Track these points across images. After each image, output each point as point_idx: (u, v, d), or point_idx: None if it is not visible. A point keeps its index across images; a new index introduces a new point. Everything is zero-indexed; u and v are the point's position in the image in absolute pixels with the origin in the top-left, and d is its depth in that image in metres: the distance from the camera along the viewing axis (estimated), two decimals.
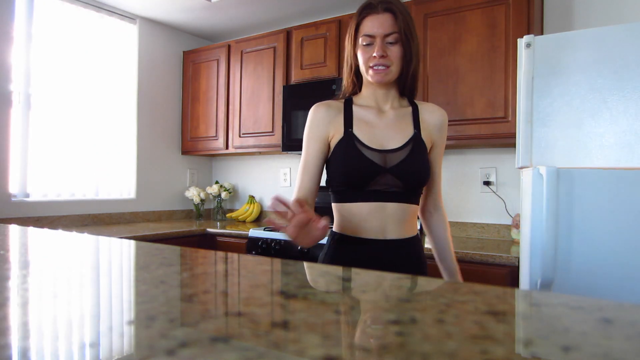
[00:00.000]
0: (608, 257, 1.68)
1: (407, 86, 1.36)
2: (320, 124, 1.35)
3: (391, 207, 1.30)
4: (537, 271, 1.78)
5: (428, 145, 1.36)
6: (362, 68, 1.31)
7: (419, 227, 1.38)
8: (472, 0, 2.43)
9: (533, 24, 2.31)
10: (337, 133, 1.33)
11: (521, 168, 1.84)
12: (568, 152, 1.76)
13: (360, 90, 1.40)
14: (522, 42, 1.85)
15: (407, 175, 1.28)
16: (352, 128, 1.32)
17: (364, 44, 1.29)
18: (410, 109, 1.37)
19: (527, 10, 2.30)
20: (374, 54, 1.26)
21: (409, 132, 1.33)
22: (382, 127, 1.33)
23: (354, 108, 1.36)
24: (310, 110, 1.38)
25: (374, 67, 1.27)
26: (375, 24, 1.27)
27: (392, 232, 1.31)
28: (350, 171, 1.29)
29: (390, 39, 1.27)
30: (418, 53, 1.34)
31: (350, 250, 1.32)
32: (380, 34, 1.26)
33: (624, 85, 1.67)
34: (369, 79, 1.31)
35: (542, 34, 2.52)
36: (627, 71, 1.67)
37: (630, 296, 1.63)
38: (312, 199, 1.38)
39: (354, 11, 1.32)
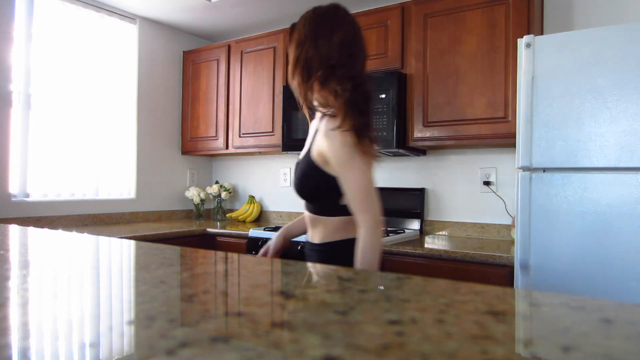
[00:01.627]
0: (584, 249, 1.68)
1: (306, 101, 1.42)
2: None
3: (306, 215, 1.48)
4: (517, 255, 1.84)
5: (319, 159, 1.37)
6: None
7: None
8: (472, 0, 2.43)
9: (533, 24, 2.31)
10: None
11: (521, 168, 1.84)
12: (568, 152, 1.76)
13: None
14: (522, 42, 1.85)
15: (296, 186, 1.45)
16: None
17: None
18: (317, 122, 1.48)
19: (527, 10, 2.30)
20: None
21: (307, 147, 1.47)
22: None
23: None
24: None
25: None
26: None
27: (310, 235, 1.50)
28: None
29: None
30: (303, 42, 1.38)
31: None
32: None
33: (624, 85, 1.67)
34: None
35: (542, 34, 2.52)
36: (627, 71, 1.67)
37: (605, 290, 1.63)
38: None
39: (353, 12, 1.32)
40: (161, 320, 0.37)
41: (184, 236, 2.96)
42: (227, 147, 3.45)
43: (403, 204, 2.88)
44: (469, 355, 0.31)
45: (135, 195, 3.44)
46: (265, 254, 1.63)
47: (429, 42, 2.56)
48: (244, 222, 3.58)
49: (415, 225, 2.81)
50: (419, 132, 2.57)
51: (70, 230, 1.59)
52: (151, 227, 3.06)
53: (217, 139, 3.50)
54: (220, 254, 0.71)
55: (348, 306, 0.44)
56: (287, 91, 3.05)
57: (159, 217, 3.59)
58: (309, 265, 0.63)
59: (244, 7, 3.25)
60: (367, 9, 2.85)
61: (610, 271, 1.67)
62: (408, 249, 2.22)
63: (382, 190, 1.64)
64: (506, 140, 2.34)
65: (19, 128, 2.78)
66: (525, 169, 1.84)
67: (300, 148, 3.21)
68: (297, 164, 1.47)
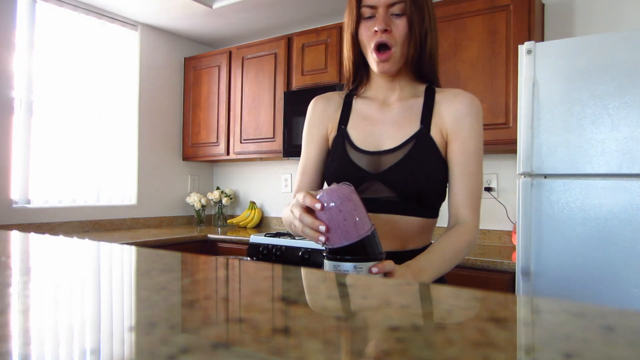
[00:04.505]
0: (585, 255, 1.67)
1: (422, 71, 1.12)
2: (318, 120, 1.21)
3: (382, 219, 1.07)
4: (519, 261, 1.84)
5: (441, 142, 1.09)
6: (366, 50, 1.10)
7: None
8: (472, 7, 2.44)
9: (534, 30, 2.32)
10: (333, 130, 1.19)
11: (522, 174, 1.84)
12: (569, 159, 1.76)
13: (367, 79, 1.19)
14: (523, 48, 1.86)
15: (399, 182, 1.06)
16: (346, 125, 1.16)
17: (365, 16, 1.08)
18: (421, 99, 1.12)
19: (527, 16, 2.31)
20: (375, 28, 1.05)
21: (413, 128, 1.09)
22: (382, 123, 1.13)
23: (355, 101, 1.19)
24: (309, 105, 1.25)
25: (377, 50, 1.06)
26: None
27: (384, 242, 1.05)
28: (334, 177, 1.12)
29: (395, 9, 1.05)
30: (433, 28, 1.10)
31: None
32: (382, 3, 1.05)
33: (624, 91, 1.67)
34: (372, 67, 1.10)
35: (542, 40, 2.53)
36: (628, 78, 1.67)
37: (601, 296, 1.62)
38: None
39: None
40: (162, 326, 0.37)
41: (185, 242, 2.96)
42: (228, 153, 3.46)
43: None
44: None
45: (137, 202, 3.44)
46: None
47: None
48: (244, 228, 3.57)
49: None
50: None
51: (71, 237, 1.59)
52: (152, 233, 3.06)
53: (218, 145, 3.51)
54: (221, 259, 0.71)
55: (349, 312, 0.44)
56: (288, 97, 3.06)
57: (160, 223, 3.59)
58: (309, 271, 0.63)
59: (245, 14, 3.26)
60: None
61: (612, 277, 1.67)
62: None
63: None
64: (507, 147, 2.35)
65: (21, 134, 2.79)
66: (526, 175, 1.84)
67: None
68: (402, 153, 1.07)
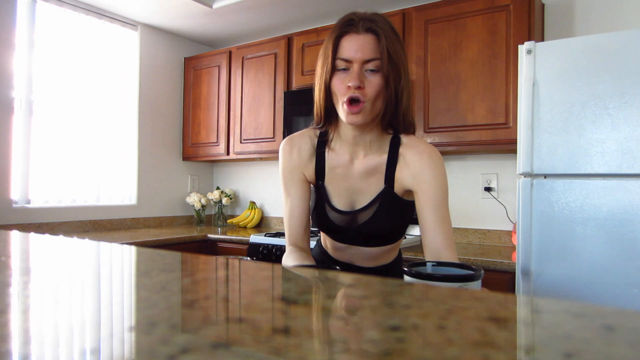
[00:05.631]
0: (585, 255, 1.67)
1: (395, 125, 1.17)
2: (296, 165, 1.24)
3: (355, 249, 1.26)
4: (519, 261, 1.85)
5: (403, 193, 1.19)
6: (337, 100, 1.12)
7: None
8: (472, 7, 2.44)
9: (534, 30, 2.32)
10: (311, 180, 1.26)
11: (522, 174, 1.84)
12: (569, 159, 1.76)
13: (336, 126, 1.21)
14: (523, 48, 1.86)
15: (372, 235, 1.22)
16: (323, 180, 1.23)
17: (340, 68, 1.09)
18: (385, 157, 1.18)
19: (527, 16, 2.31)
20: (349, 83, 1.06)
21: (378, 186, 1.18)
22: (352, 180, 1.20)
23: (327, 154, 1.22)
24: (282, 150, 1.26)
25: (348, 103, 1.07)
26: (354, 46, 1.07)
27: (360, 262, 1.29)
28: (318, 226, 1.28)
29: (370, 65, 1.07)
30: (408, 85, 1.14)
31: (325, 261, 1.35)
32: (358, 59, 1.06)
33: (624, 91, 1.67)
34: (342, 117, 1.11)
35: (542, 40, 2.53)
36: (627, 77, 1.67)
37: (600, 298, 1.62)
38: (306, 243, 1.27)
39: None
40: (162, 326, 0.37)
41: (185, 242, 2.96)
42: (228, 153, 3.46)
43: None
44: None
45: (136, 201, 3.44)
46: None
47: (429, 48, 2.57)
48: (244, 227, 3.57)
49: (416, 231, 2.81)
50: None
51: (71, 237, 1.59)
52: (152, 233, 3.06)
53: (218, 145, 3.51)
54: (221, 259, 0.71)
55: (349, 312, 0.44)
56: (288, 97, 3.06)
57: (160, 223, 3.59)
58: (310, 271, 0.63)
59: (245, 14, 3.26)
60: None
61: (612, 277, 1.67)
62: (409, 255, 2.22)
63: None
64: (507, 147, 2.35)
65: (21, 134, 2.79)
66: (526, 175, 1.84)
67: None
68: (372, 210, 1.19)
